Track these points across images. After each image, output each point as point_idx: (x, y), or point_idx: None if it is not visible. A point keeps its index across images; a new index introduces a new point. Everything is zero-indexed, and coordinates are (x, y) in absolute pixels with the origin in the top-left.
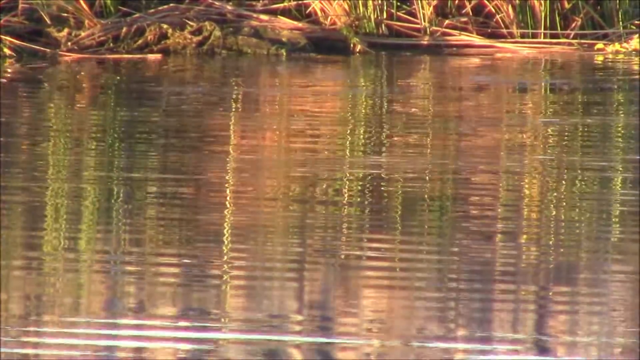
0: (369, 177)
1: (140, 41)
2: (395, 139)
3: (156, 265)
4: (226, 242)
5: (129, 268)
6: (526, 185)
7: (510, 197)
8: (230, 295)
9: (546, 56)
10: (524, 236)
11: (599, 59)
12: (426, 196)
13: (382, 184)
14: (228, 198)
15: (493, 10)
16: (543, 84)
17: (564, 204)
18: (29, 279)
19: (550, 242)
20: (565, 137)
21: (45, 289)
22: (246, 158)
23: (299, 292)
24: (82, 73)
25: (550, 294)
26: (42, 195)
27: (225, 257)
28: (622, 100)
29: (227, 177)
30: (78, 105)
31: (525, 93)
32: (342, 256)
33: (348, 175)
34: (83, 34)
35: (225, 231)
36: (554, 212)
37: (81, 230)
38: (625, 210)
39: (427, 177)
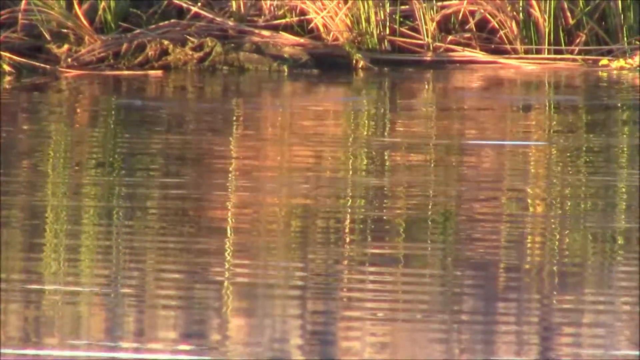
0: (371, 200)
1: (140, 57)
2: (398, 159)
3: (157, 289)
4: (227, 266)
5: (129, 291)
6: (530, 208)
7: (513, 223)
8: (230, 320)
9: (550, 72)
10: (527, 264)
11: (603, 75)
12: (429, 221)
13: (384, 206)
14: (229, 221)
15: (497, 25)
16: (547, 101)
17: (569, 228)
18: (26, 302)
19: (555, 270)
20: (569, 158)
21: (43, 313)
22: (246, 180)
23: (300, 321)
24: (82, 90)
25: (557, 323)
26: (41, 217)
27: (226, 282)
28: (626, 119)
29: (227, 199)
30: (77, 124)
31: (529, 111)
32: (345, 282)
33: (350, 195)
34: (83, 50)
35: (226, 253)
36: (557, 237)
37: (80, 254)
38: (633, 237)
39: (429, 203)
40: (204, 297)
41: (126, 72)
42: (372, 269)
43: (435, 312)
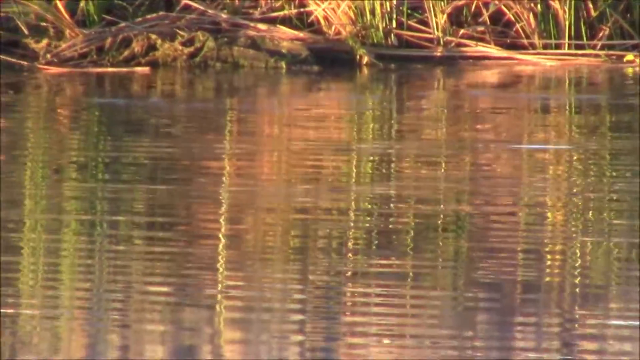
0: (376, 211)
1: (126, 53)
2: (406, 166)
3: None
4: (220, 281)
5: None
6: (549, 218)
7: (531, 234)
8: (223, 343)
9: (571, 69)
10: (547, 279)
11: (628, 71)
12: (440, 234)
13: (390, 219)
14: (222, 235)
15: (513, 18)
16: (567, 101)
17: (592, 241)
18: (5, 320)
19: (575, 289)
20: (591, 163)
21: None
22: (240, 190)
23: (299, 345)
24: (62, 88)
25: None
26: (19, 231)
27: (219, 296)
28: None
29: (219, 210)
30: (57, 127)
31: (548, 112)
32: (348, 299)
33: (353, 206)
34: (64, 45)
35: (219, 267)
36: (578, 252)
37: (62, 268)
38: None
39: (440, 214)
40: (194, 318)
41: (110, 69)
42: (377, 284)
43: (446, 337)
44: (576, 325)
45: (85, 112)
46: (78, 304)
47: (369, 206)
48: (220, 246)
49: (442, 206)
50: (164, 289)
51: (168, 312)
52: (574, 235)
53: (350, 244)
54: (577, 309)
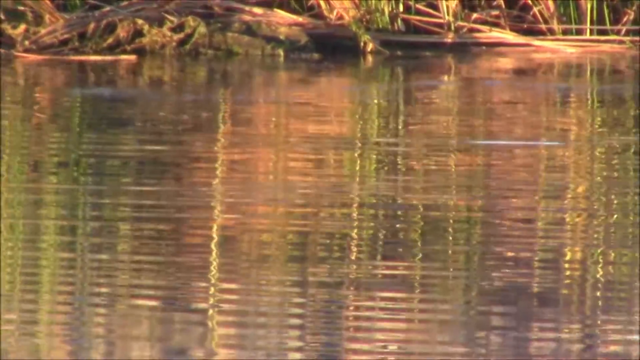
0: (381, 212)
1: (110, 40)
2: (413, 164)
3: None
4: (213, 294)
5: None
6: (568, 222)
7: (549, 238)
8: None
9: (593, 56)
10: (565, 290)
11: None
12: (450, 237)
13: (397, 221)
14: (214, 242)
15: (530, 1)
16: (589, 91)
17: (614, 248)
18: None
19: (599, 302)
20: (615, 161)
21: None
22: (234, 190)
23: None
24: (41, 78)
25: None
26: None
27: (211, 310)
28: None
29: (212, 215)
30: (35, 120)
31: (568, 104)
32: (351, 310)
33: (356, 206)
34: (43, 31)
35: (212, 276)
36: (600, 261)
37: (38, 283)
38: None
39: (449, 217)
40: (185, 329)
41: (93, 57)
42: (382, 294)
43: (457, 353)
44: (594, 341)
45: (66, 104)
46: (57, 319)
47: (372, 209)
48: (213, 254)
49: (451, 211)
50: (151, 302)
51: (155, 326)
52: (595, 240)
53: (352, 249)
54: (596, 321)
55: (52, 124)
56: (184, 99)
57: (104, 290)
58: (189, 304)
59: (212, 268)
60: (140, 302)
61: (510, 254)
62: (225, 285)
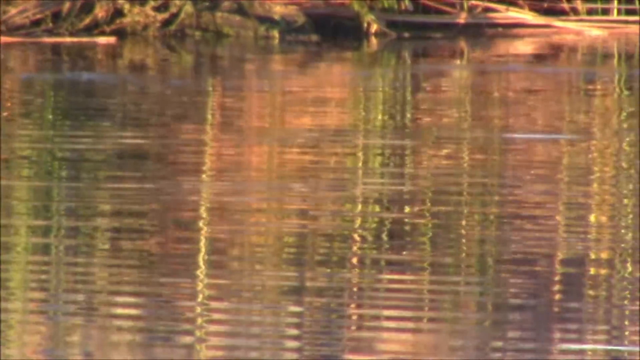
0: (387, 212)
1: (87, 20)
2: (422, 158)
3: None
4: (201, 307)
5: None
6: (592, 220)
7: (571, 237)
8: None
9: (620, 39)
10: (590, 291)
11: None
12: (463, 231)
13: (405, 219)
14: (202, 243)
15: None
16: (616, 78)
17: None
18: None
19: (626, 297)
20: None
21: None
22: (224, 186)
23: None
24: (11, 62)
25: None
26: None
27: (200, 319)
28: None
29: (199, 212)
30: (4, 110)
31: (593, 93)
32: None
33: (359, 206)
34: (13, 10)
35: (199, 282)
36: (628, 262)
37: (12, 284)
38: None
39: (462, 217)
40: (172, 344)
41: (69, 39)
42: (388, 307)
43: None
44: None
45: (39, 91)
46: (31, 329)
47: (377, 208)
48: (200, 259)
49: (463, 208)
50: (132, 311)
51: (136, 337)
52: (617, 242)
53: (355, 253)
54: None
55: (23, 115)
56: (168, 86)
57: (80, 296)
58: (173, 311)
59: (198, 273)
60: (120, 311)
61: (526, 258)
62: (214, 301)
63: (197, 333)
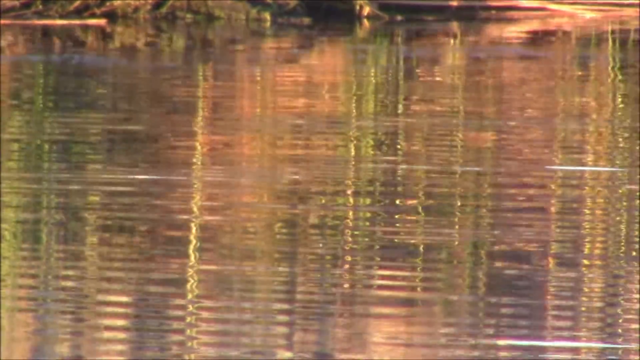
0: (379, 204)
1: (78, 2)
2: (415, 146)
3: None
4: (192, 287)
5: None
6: (587, 210)
7: (564, 225)
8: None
9: (615, 21)
10: (585, 286)
11: None
12: (456, 219)
13: (396, 211)
14: (193, 232)
15: None
16: (611, 62)
17: (634, 237)
18: None
19: (623, 288)
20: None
21: None
22: (215, 176)
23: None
24: (1, 44)
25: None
26: None
27: (190, 318)
28: None
29: (190, 203)
30: None
31: (587, 78)
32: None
33: (351, 197)
34: None
35: (190, 277)
36: (622, 254)
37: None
38: None
39: (456, 195)
40: (160, 344)
41: (59, 22)
42: (381, 307)
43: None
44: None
45: (28, 76)
46: (18, 333)
47: (370, 199)
48: (191, 250)
49: (457, 194)
50: (122, 309)
51: (127, 337)
52: (613, 226)
53: (347, 251)
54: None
55: (12, 100)
56: (158, 70)
57: (69, 295)
58: (164, 309)
59: (190, 269)
60: (109, 309)
61: (522, 258)
62: (204, 299)
63: (188, 319)
